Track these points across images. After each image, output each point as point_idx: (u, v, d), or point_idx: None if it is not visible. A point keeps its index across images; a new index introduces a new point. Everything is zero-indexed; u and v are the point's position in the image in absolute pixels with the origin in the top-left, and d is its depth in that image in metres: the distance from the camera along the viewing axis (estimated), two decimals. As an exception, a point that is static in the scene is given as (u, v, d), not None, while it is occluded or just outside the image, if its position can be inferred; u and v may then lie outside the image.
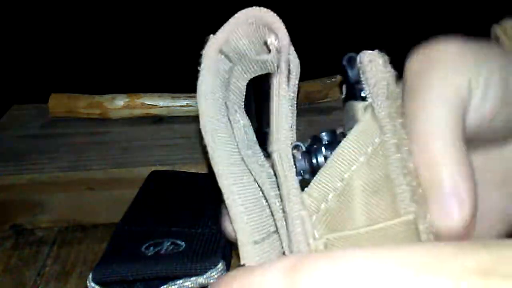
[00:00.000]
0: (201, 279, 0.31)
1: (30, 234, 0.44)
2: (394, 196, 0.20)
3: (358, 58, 0.21)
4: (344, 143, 0.20)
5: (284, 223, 0.21)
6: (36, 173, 0.43)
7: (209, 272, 0.31)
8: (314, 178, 0.20)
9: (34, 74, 1.39)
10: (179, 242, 0.33)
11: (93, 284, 0.31)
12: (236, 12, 0.22)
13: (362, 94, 0.21)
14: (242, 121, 0.24)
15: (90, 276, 0.31)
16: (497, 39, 0.25)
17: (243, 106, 0.25)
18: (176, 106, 0.54)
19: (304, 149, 0.22)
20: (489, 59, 0.22)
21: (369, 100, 0.21)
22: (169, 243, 0.33)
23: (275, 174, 0.21)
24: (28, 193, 0.43)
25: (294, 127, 0.22)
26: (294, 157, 0.21)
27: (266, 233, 0.22)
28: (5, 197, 0.43)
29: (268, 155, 0.22)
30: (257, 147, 0.24)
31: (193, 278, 0.31)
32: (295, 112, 0.23)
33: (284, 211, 0.21)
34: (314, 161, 0.21)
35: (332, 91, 0.57)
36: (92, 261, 0.41)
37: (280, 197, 0.21)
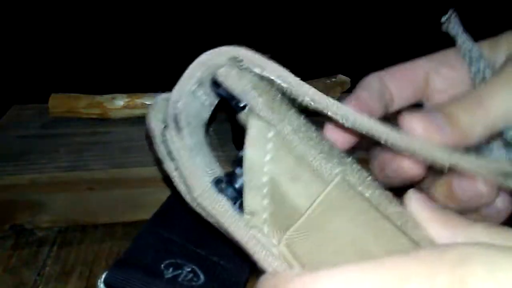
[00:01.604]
0: None
1: (30, 234, 0.44)
2: (315, 169, 0.21)
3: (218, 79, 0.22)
4: (245, 153, 0.21)
5: (244, 248, 0.22)
6: (36, 173, 0.43)
7: None
8: (243, 198, 0.21)
9: (34, 74, 1.39)
10: (199, 272, 0.33)
11: (102, 286, 0.31)
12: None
13: (241, 105, 0.22)
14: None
15: (104, 275, 0.31)
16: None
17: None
18: (176, 106, 0.54)
19: (225, 179, 0.22)
20: None
21: (248, 105, 0.22)
22: (189, 270, 0.32)
23: (209, 215, 0.22)
24: (28, 193, 0.43)
25: (211, 160, 0.23)
26: (221, 191, 0.22)
27: None
28: (5, 197, 0.43)
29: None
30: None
31: None
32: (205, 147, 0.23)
33: (237, 241, 0.21)
34: (237, 185, 0.22)
35: (332, 91, 0.57)
36: (92, 261, 0.41)
37: (227, 232, 0.22)
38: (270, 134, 0.21)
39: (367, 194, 0.21)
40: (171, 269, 0.32)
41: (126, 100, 0.54)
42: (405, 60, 0.30)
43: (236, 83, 0.21)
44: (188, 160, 0.22)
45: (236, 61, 0.22)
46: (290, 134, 0.21)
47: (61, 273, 0.39)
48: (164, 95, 0.24)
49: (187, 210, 0.38)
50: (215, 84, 0.22)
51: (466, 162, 0.21)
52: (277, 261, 0.20)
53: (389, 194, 0.21)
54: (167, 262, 0.32)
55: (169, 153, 0.22)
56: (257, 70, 0.22)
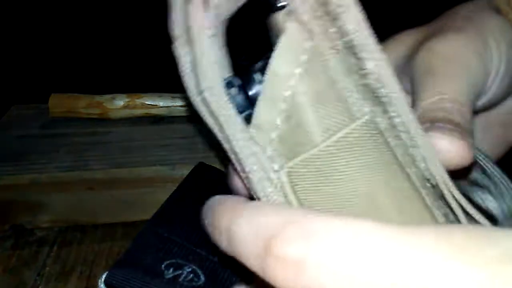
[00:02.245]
0: None
1: (30, 234, 0.44)
2: (344, 100, 0.18)
3: None
4: (273, 60, 0.18)
5: (239, 164, 0.18)
6: (36, 173, 0.43)
7: None
8: (255, 108, 0.18)
9: (34, 74, 1.39)
10: (199, 272, 0.32)
11: (102, 286, 0.31)
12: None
13: (279, 4, 0.18)
14: None
15: (104, 275, 0.31)
16: (498, 10, 0.26)
17: None
18: (176, 106, 0.54)
19: (239, 83, 0.19)
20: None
21: (289, 5, 0.18)
22: (190, 270, 0.32)
23: (212, 115, 0.18)
24: (28, 193, 0.43)
25: (225, 62, 0.19)
26: (230, 95, 0.18)
27: None
28: (5, 197, 0.43)
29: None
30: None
31: None
32: (224, 46, 0.19)
33: (235, 154, 0.18)
34: (250, 93, 0.19)
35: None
36: (92, 261, 0.41)
37: (226, 140, 0.18)
38: (308, 45, 0.18)
39: (393, 145, 0.18)
40: (171, 270, 0.32)
41: (126, 100, 0.54)
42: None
43: None
44: (208, 44, 0.18)
45: None
46: (329, 52, 0.18)
47: (61, 273, 0.39)
48: None
49: (188, 210, 0.37)
50: None
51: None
52: (273, 188, 0.17)
53: (418, 153, 0.18)
54: (167, 262, 0.32)
55: (187, 30, 0.19)
56: None
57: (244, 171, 0.18)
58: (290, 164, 0.18)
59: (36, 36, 1.56)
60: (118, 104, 0.54)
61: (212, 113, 0.18)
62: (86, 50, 1.54)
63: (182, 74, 0.19)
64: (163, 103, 0.54)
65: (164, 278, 0.31)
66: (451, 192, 0.18)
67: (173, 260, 0.33)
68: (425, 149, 0.18)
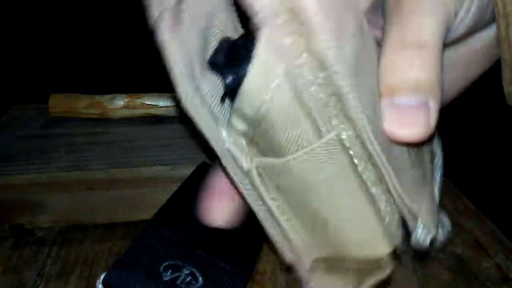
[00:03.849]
0: None
1: (30, 234, 0.44)
2: (312, 119, 0.18)
3: None
4: (250, 71, 0.17)
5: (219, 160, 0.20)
6: (36, 173, 0.43)
7: None
8: (237, 99, 0.18)
9: (34, 74, 1.39)
10: (197, 275, 0.32)
11: (100, 287, 0.31)
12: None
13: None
14: None
15: (102, 276, 0.31)
16: None
17: None
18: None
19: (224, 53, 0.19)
20: None
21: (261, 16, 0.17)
22: (188, 272, 0.32)
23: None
24: (28, 193, 0.43)
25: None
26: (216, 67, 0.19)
27: None
28: (5, 197, 0.43)
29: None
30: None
31: None
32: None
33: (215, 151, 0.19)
34: (227, 81, 0.19)
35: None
36: (92, 261, 0.41)
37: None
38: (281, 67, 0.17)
39: (356, 161, 0.18)
40: (169, 272, 0.32)
41: (126, 100, 0.54)
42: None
43: None
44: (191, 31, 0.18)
45: None
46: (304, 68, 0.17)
47: (61, 273, 0.39)
48: None
49: (189, 210, 0.37)
50: None
51: None
52: (243, 175, 0.19)
53: (387, 173, 0.18)
54: (166, 264, 0.32)
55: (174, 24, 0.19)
56: None
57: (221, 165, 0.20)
58: (261, 159, 0.19)
59: (36, 36, 1.56)
60: (118, 104, 0.54)
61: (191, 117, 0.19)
62: (86, 50, 1.54)
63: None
64: (163, 103, 0.54)
65: (162, 280, 0.31)
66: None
67: (172, 262, 0.33)
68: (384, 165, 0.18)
